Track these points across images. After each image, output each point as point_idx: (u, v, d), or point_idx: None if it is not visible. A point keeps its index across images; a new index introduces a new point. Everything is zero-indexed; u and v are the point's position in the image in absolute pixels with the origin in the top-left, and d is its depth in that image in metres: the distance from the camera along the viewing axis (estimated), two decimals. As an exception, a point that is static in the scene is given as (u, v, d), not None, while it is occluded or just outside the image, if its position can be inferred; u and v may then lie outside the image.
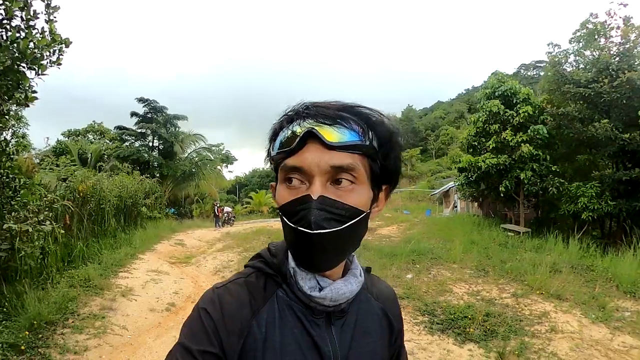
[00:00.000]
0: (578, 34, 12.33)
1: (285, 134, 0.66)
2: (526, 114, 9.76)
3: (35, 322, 3.61)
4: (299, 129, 0.65)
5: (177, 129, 20.56)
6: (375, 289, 0.85)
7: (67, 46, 4.15)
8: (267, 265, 0.75)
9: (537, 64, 60.99)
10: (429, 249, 7.96)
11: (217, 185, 25.52)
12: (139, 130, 19.58)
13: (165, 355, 0.65)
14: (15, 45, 3.66)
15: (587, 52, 11.49)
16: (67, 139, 27.38)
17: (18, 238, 4.33)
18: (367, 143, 0.65)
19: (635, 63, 9.91)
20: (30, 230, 4.27)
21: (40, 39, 3.69)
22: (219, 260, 8.26)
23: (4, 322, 3.62)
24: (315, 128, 0.63)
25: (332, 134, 0.63)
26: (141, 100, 19.94)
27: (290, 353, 0.67)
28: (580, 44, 11.85)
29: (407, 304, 5.29)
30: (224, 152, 31.67)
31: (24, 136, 16.97)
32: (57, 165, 10.55)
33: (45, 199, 5.03)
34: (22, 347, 3.19)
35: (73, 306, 4.26)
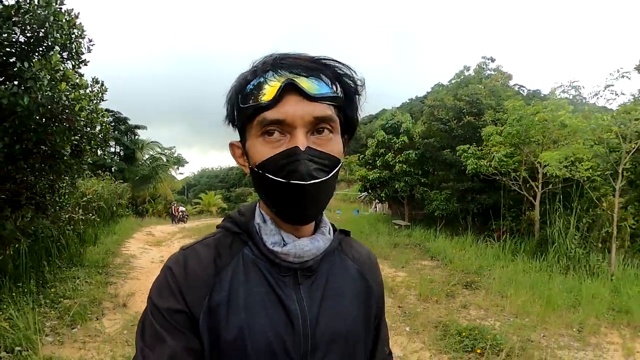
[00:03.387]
0: (453, 81, 16.91)
1: (258, 83, 0.65)
2: (403, 142, 14.02)
3: (96, 264, 7.08)
4: (275, 80, 0.64)
5: (137, 137, 23.51)
6: (352, 251, 0.85)
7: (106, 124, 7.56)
8: (235, 225, 0.76)
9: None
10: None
11: (170, 186, 28.48)
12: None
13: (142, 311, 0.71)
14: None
15: (459, 94, 15.99)
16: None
17: (73, 223, 7.73)
18: (338, 94, 0.67)
19: (483, 108, 14.37)
20: (84, 218, 7.69)
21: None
22: (182, 243, 11.73)
23: (80, 264, 7.06)
24: (295, 79, 0.63)
25: (311, 86, 0.64)
26: (107, 111, 22.63)
27: (255, 311, 0.69)
28: (452, 90, 16.38)
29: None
30: (175, 155, 34.39)
31: None
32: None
33: (84, 199, 8.39)
34: (99, 270, 6.69)
35: (107, 260, 7.73)
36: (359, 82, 0.70)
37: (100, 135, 6.23)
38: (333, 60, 0.68)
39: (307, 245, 0.72)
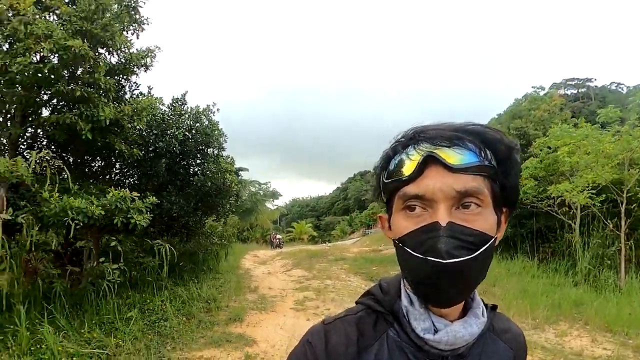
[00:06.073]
0: (506, 113, 19.30)
1: (400, 159, 0.68)
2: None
3: (228, 272, 11.34)
4: (415, 153, 0.66)
5: (240, 177, 28.88)
6: (502, 330, 0.82)
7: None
8: (377, 303, 0.76)
9: (567, 82, 61.86)
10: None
11: (268, 217, 33.66)
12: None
13: None
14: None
15: (510, 127, 18.42)
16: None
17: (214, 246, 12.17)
18: (487, 163, 0.66)
19: (530, 139, 16.73)
20: (219, 242, 12.08)
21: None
22: (281, 263, 15.88)
23: (216, 271, 11.31)
24: (434, 151, 0.64)
25: (452, 156, 0.64)
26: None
27: None
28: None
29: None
30: (271, 189, 39.75)
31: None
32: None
33: (218, 230, 12.86)
34: (232, 276, 10.91)
35: (234, 271, 11.99)
36: (512, 145, 0.69)
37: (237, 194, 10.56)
38: (480, 125, 0.68)
39: (460, 332, 0.69)
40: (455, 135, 0.65)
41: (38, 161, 4.93)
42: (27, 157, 5.87)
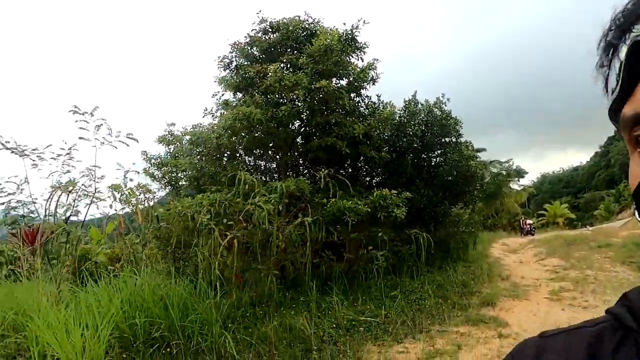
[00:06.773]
0: None
1: (612, 69, 0.43)
2: None
3: (477, 260, 11.62)
4: (624, 49, 0.40)
5: (479, 158, 28.32)
6: None
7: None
8: (631, 314, 0.47)
9: None
10: None
11: (515, 199, 31.78)
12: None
13: None
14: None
15: None
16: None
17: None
18: None
19: None
20: (466, 231, 12.47)
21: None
22: (533, 252, 15.14)
23: (464, 260, 11.72)
24: None
25: None
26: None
27: None
28: None
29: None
30: (514, 167, 37.10)
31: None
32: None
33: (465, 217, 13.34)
34: (482, 264, 11.18)
35: (483, 259, 12.18)
36: None
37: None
38: None
39: None
40: None
41: (317, 177, 6.67)
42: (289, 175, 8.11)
